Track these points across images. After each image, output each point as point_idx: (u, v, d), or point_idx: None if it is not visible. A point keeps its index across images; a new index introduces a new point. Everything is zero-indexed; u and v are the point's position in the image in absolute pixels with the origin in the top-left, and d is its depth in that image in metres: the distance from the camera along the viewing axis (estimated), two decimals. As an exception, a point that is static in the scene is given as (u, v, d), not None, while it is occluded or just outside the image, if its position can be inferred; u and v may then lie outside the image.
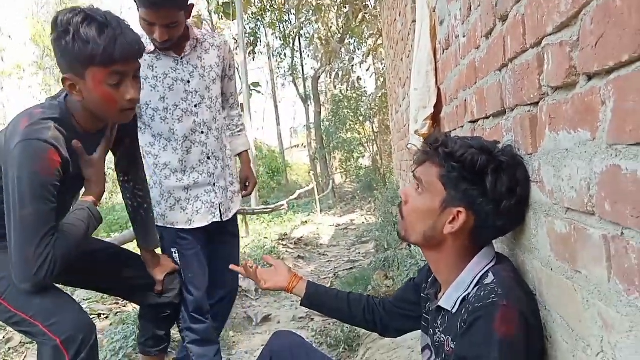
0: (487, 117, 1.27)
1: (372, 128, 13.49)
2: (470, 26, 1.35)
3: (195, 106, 1.89)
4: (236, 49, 14.65)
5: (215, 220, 1.96)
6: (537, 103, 0.89)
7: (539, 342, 0.92)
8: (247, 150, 2.29)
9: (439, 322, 1.07)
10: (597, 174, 0.68)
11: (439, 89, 1.99)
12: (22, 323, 1.34)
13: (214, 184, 1.95)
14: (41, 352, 1.33)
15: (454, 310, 1.00)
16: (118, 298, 3.36)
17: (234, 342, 2.99)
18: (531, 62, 0.89)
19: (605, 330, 0.69)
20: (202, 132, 1.91)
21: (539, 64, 0.86)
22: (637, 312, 0.60)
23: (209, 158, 1.94)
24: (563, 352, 0.86)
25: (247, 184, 2.23)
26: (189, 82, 1.88)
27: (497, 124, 1.18)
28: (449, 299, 1.01)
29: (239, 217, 7.27)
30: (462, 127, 1.58)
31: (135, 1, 1.74)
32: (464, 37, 1.45)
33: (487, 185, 0.94)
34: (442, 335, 1.04)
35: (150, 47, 1.81)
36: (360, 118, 13.48)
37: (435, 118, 2.05)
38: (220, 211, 1.97)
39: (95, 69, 1.28)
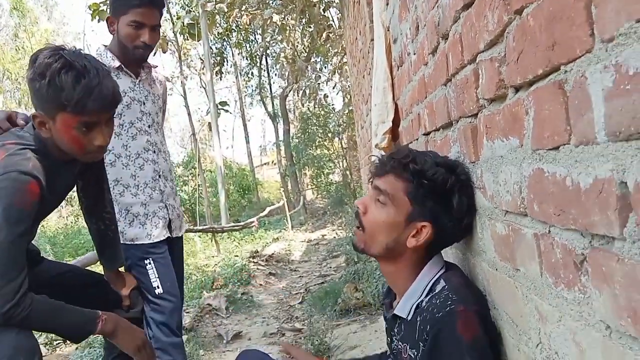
0: (437, 130, 1.33)
1: (341, 144, 13.63)
2: (419, 44, 1.42)
3: (149, 127, 1.98)
4: (202, 69, 14.63)
5: (167, 235, 2.01)
6: (477, 114, 0.96)
7: (493, 337, 0.98)
8: None
9: (395, 330, 1.11)
10: (526, 177, 0.74)
11: (396, 104, 2.07)
12: None
13: (166, 202, 2.02)
14: None
15: (409, 318, 1.04)
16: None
17: (204, 362, 2.96)
18: (469, 76, 0.96)
19: (541, 322, 0.74)
20: (154, 152, 1.99)
21: (475, 78, 0.92)
22: (564, 303, 0.66)
23: (159, 177, 2.01)
24: (510, 347, 0.91)
25: None
26: (144, 103, 1.97)
27: (445, 135, 1.24)
28: (403, 307, 1.05)
29: (209, 235, 7.17)
30: (417, 139, 1.65)
31: (119, 7, 1.84)
32: (414, 54, 1.52)
33: (454, 204, 1.00)
34: (400, 343, 1.07)
35: (114, 63, 1.89)
36: (329, 134, 13.61)
37: (394, 132, 2.12)
38: (170, 228, 2.04)
39: (66, 115, 1.28)
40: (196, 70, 16.71)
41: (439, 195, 1.01)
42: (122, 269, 1.86)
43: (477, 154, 0.98)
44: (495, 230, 0.91)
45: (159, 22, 1.91)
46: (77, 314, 1.41)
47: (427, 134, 1.48)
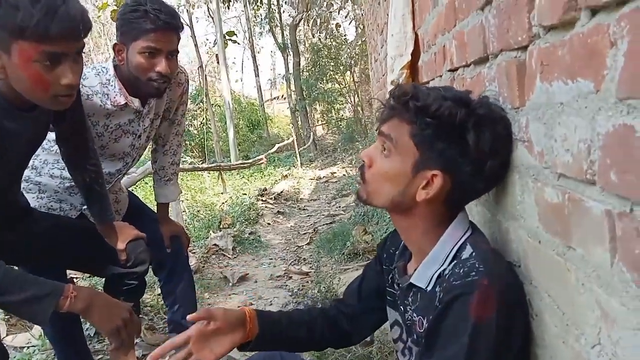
0: (467, 65, 1.12)
1: (353, 78, 13.18)
2: (449, -42, 1.18)
3: (133, 160, 1.82)
4: (209, -4, 13.96)
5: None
6: (526, 47, 0.75)
7: (520, 319, 0.82)
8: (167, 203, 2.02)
9: (410, 299, 0.96)
10: (601, 135, 0.54)
11: (416, 35, 1.82)
12: None
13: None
14: None
15: (428, 288, 0.89)
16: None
17: (209, 304, 2.91)
18: (520, -4, 0.74)
19: (605, 322, 0.58)
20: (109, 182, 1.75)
21: (529, -2, 0.71)
22: (648, 309, 0.49)
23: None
24: (551, 335, 0.75)
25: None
26: (139, 137, 1.75)
27: (478, 72, 1.03)
28: (422, 276, 0.90)
29: (215, 173, 7.06)
30: (441, 76, 1.43)
31: (128, 36, 1.53)
32: (442, -28, 1.28)
33: (470, 143, 0.80)
34: (414, 315, 0.93)
35: (120, 100, 1.62)
36: (341, 67, 13.13)
37: (413, 67, 1.89)
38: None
39: (25, 44, 1.03)
40: (203, -3, 15.95)
41: (450, 134, 0.82)
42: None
43: (522, 99, 0.78)
44: (542, 195, 0.73)
45: (176, 46, 1.62)
46: (36, 287, 1.17)
47: (453, 70, 1.27)
